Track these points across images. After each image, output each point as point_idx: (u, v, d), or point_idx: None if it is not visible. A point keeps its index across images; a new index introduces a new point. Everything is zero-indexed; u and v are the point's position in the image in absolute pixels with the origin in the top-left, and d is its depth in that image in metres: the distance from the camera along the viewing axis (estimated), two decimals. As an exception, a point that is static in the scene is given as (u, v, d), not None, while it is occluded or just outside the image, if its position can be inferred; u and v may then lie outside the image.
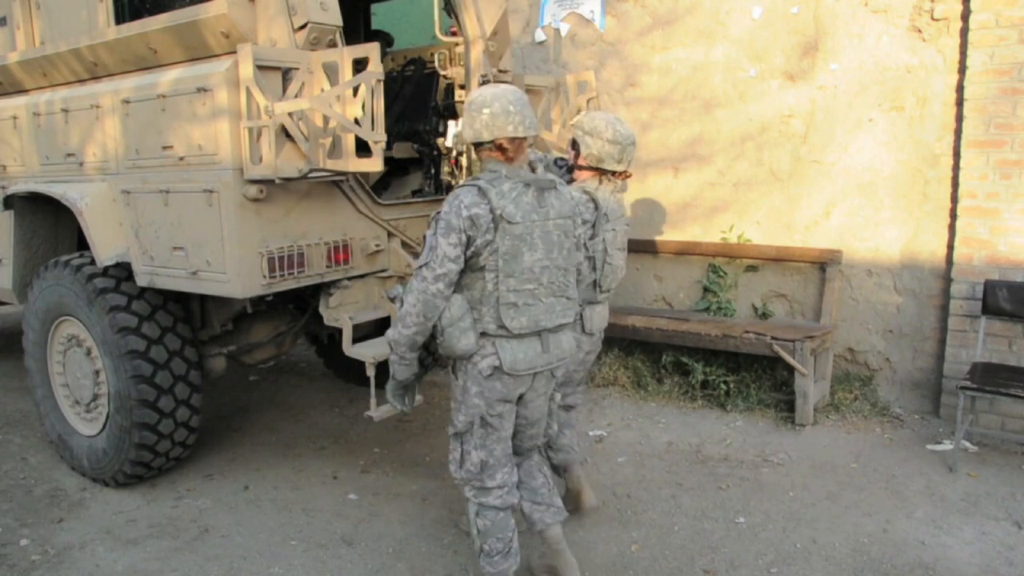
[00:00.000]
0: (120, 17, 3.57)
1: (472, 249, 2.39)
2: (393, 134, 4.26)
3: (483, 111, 2.45)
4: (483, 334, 2.46)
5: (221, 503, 3.62)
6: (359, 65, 2.98)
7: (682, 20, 5.29)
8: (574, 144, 3.16)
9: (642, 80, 5.51)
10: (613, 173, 3.14)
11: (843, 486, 3.70)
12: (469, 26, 3.56)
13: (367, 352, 3.39)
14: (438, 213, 2.44)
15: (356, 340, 3.49)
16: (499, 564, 2.61)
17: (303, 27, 3.09)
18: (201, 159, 3.06)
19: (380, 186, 4.48)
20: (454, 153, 3.76)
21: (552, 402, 2.92)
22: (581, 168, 3.17)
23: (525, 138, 2.48)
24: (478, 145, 2.52)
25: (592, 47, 5.73)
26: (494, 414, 2.55)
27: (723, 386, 4.79)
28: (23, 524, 3.45)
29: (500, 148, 2.46)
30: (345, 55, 2.89)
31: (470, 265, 2.42)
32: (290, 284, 3.21)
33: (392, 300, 3.62)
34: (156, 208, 3.27)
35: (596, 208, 3.02)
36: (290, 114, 2.88)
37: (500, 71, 4.19)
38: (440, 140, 3.95)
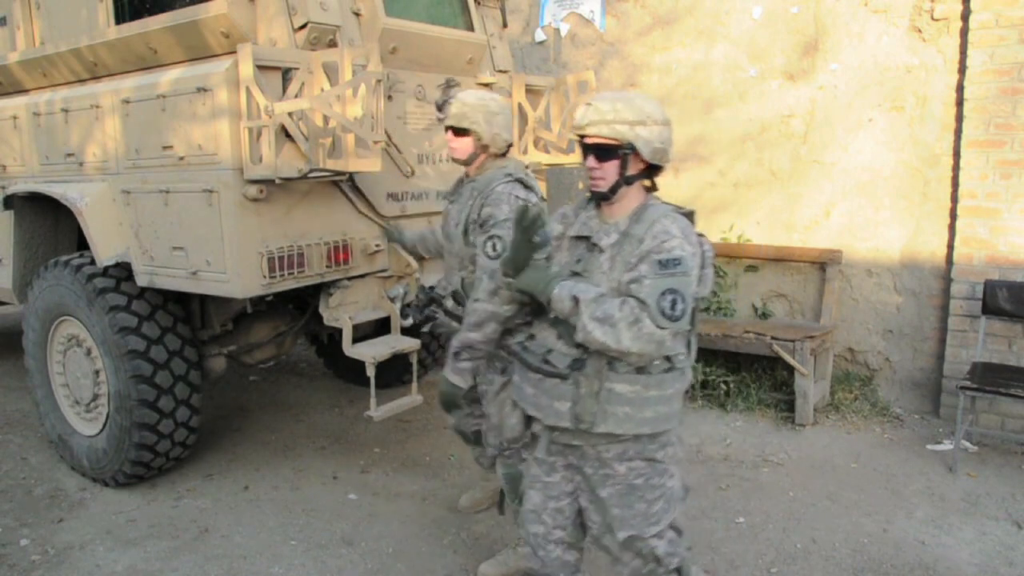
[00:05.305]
0: (120, 17, 3.56)
1: None
2: None
3: (499, 115, 2.73)
4: None
5: (221, 503, 3.61)
6: None
7: (682, 20, 5.29)
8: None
9: (642, 80, 5.51)
10: None
11: (843, 486, 3.69)
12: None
13: (367, 352, 3.39)
14: (487, 211, 2.60)
15: (356, 340, 3.49)
16: None
17: (303, 27, 3.09)
18: (201, 159, 3.06)
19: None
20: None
21: None
22: None
23: None
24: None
25: (592, 47, 5.73)
26: None
27: (723, 386, 4.79)
28: (23, 524, 3.45)
29: (509, 146, 2.78)
30: (345, 55, 2.89)
31: None
32: (290, 284, 3.21)
33: (392, 300, 3.64)
34: (156, 208, 3.27)
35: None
36: (290, 114, 2.88)
37: (499, 71, 4.20)
38: None
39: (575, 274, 2.02)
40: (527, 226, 2.00)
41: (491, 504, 3.33)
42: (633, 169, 1.98)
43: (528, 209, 2.02)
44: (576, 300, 1.90)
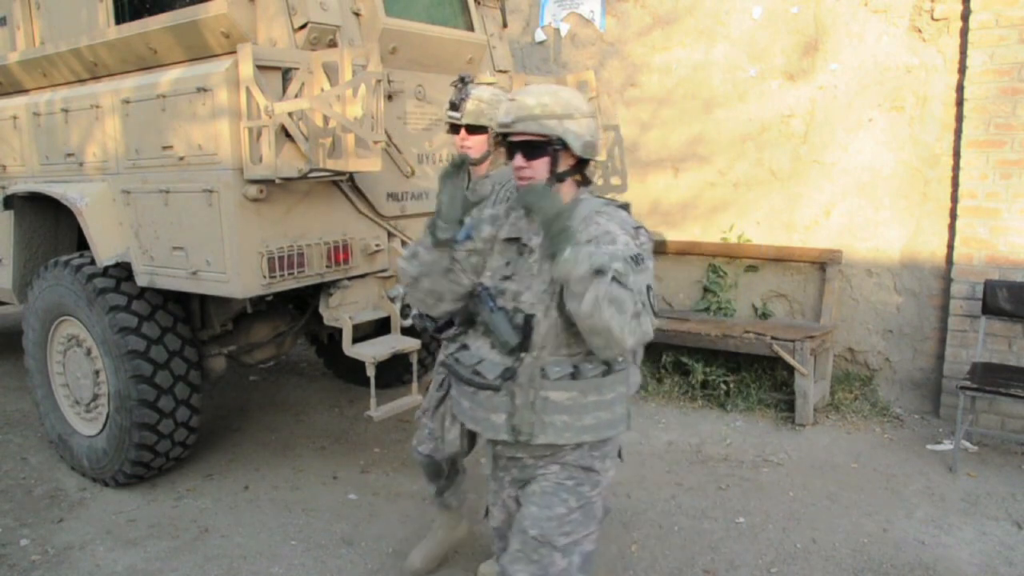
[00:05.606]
0: (120, 17, 3.56)
1: None
2: None
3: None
4: None
5: (221, 503, 3.61)
6: None
7: (682, 20, 5.29)
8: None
9: (642, 80, 5.51)
10: None
11: (843, 486, 3.69)
12: None
13: (367, 352, 3.39)
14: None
15: (356, 340, 3.49)
16: None
17: (303, 27, 3.09)
18: (201, 159, 3.06)
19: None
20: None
21: None
22: None
23: None
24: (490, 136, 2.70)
25: (592, 47, 5.73)
26: None
27: (723, 386, 4.79)
28: (23, 524, 3.45)
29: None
30: (345, 55, 2.89)
31: None
32: (290, 284, 3.21)
33: (392, 300, 3.64)
34: (156, 208, 3.27)
35: None
36: (290, 114, 2.88)
37: (499, 71, 4.21)
38: None
39: (505, 278, 1.91)
40: (458, 174, 1.91)
41: (444, 561, 3.05)
42: (564, 165, 1.88)
43: (455, 158, 1.96)
44: (601, 271, 1.66)
